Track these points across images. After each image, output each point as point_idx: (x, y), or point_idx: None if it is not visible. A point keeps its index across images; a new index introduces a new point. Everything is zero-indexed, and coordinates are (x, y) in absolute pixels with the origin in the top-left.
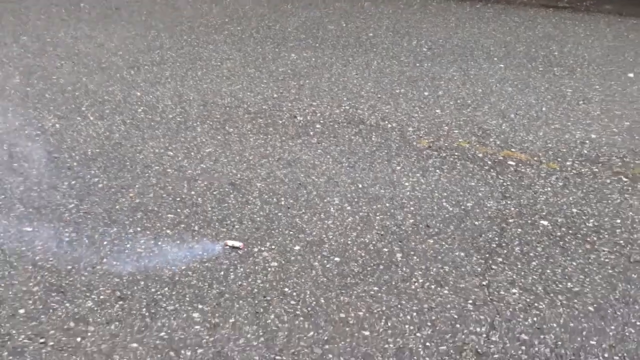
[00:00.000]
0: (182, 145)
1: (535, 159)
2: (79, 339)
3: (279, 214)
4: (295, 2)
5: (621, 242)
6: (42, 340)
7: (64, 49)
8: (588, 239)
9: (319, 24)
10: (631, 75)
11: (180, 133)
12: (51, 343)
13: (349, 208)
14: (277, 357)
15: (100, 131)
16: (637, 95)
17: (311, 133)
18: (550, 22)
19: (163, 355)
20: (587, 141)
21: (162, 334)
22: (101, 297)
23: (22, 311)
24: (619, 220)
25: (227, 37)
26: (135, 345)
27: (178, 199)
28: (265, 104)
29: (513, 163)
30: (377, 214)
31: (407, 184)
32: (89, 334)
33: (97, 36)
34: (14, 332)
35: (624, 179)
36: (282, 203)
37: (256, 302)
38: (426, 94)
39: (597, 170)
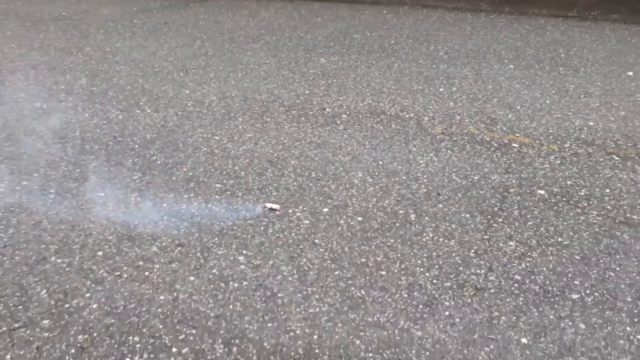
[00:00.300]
0: (226, 132)
1: (537, 142)
2: (147, 273)
3: (310, 184)
4: (325, 15)
5: (609, 207)
6: (117, 274)
7: (122, 57)
8: (579, 205)
9: (345, 33)
10: (630, 73)
11: (224, 122)
12: (125, 276)
13: (370, 180)
14: (308, 289)
15: (156, 121)
16: (634, 90)
17: (338, 122)
18: (558, 30)
19: (215, 286)
20: (585, 127)
21: (214, 271)
22: (163, 244)
23: (100, 253)
24: (608, 190)
25: (264, 45)
26: (192, 278)
27: (224, 172)
28: (298, 99)
29: (517, 145)
30: (395, 184)
31: (421, 161)
32: (155, 270)
33: (150, 46)
34: (94, 267)
35: (616, 158)
36: (313, 176)
37: (291, 249)
38: (441, 90)
39: (592, 151)
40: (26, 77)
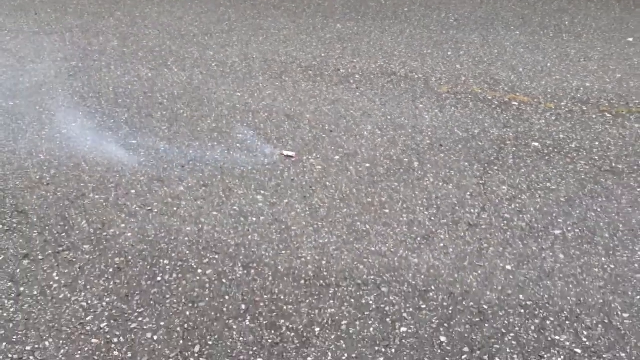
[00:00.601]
0: (248, 89)
1: (535, 100)
2: (175, 208)
3: (323, 135)
4: None
5: (596, 157)
6: (148, 208)
7: (150, 21)
8: (569, 155)
9: (361, 1)
10: (630, 39)
11: (245, 81)
12: (155, 210)
13: (378, 132)
14: (319, 223)
15: (183, 79)
16: (632, 55)
17: (351, 81)
18: None
19: (235, 220)
20: (582, 88)
21: (235, 207)
22: (189, 185)
23: (133, 191)
24: (597, 143)
25: (284, 12)
26: (215, 213)
27: (245, 124)
28: (315, 60)
29: (516, 103)
30: (401, 136)
31: (427, 116)
32: (182, 205)
33: (176, 12)
34: (128, 203)
35: (608, 115)
36: (326, 128)
37: (304, 190)
38: (449, 53)
39: (586, 108)
40: (62, 39)
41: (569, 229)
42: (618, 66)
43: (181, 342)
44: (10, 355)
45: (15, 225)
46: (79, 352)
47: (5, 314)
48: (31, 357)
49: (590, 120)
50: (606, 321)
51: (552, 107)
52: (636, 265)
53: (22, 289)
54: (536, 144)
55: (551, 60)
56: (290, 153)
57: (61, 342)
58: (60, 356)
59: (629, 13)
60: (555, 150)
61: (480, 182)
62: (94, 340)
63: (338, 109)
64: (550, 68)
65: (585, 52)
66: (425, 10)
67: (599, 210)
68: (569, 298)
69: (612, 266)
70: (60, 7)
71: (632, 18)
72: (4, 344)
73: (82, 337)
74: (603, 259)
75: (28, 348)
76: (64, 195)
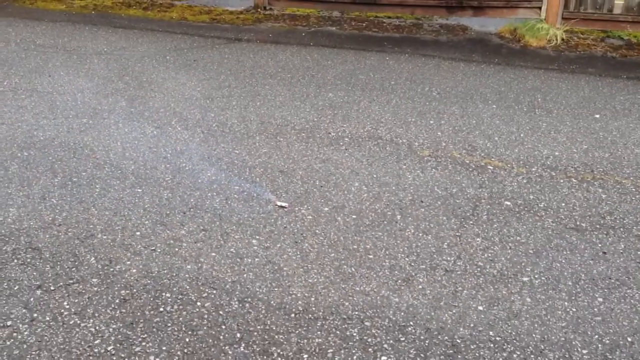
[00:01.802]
0: (245, 147)
1: (509, 165)
2: (176, 249)
3: (314, 189)
4: (334, 59)
5: (562, 216)
6: (152, 248)
7: (156, 85)
8: (538, 214)
9: (352, 74)
10: (597, 116)
11: (243, 140)
12: (158, 250)
13: (365, 188)
14: (309, 265)
15: (185, 137)
16: (598, 129)
17: (341, 143)
18: (539, 79)
19: (232, 260)
20: (551, 156)
21: (232, 249)
22: (190, 229)
23: (138, 233)
24: (564, 204)
25: (280, 81)
26: (213, 254)
27: (242, 178)
28: (307, 124)
29: (491, 167)
30: (385, 193)
31: (409, 176)
32: (183, 247)
33: (180, 78)
34: (133, 243)
35: (574, 180)
36: (317, 183)
37: (295, 236)
38: (431, 122)
39: (554, 174)
40: (74, 98)
41: (536, 276)
42: (585, 139)
43: None
44: None
45: (29, 260)
46: None
47: (19, 336)
48: None
49: (558, 184)
50: (567, 356)
51: (524, 171)
52: (595, 309)
53: (35, 315)
54: (508, 203)
55: (524, 132)
56: (283, 204)
57: None
58: None
59: (597, 93)
60: (526, 209)
61: (457, 234)
62: None
63: (328, 167)
64: (523, 138)
65: (555, 126)
66: (411, 84)
67: (563, 261)
68: (534, 335)
69: (574, 309)
70: (72, 71)
71: (599, 97)
72: None
73: (90, 357)
74: (566, 303)
75: None
76: (74, 235)
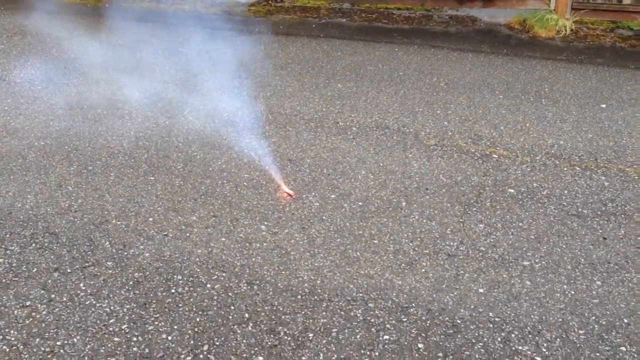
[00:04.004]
0: (255, 136)
1: (513, 154)
2: (187, 234)
3: (322, 177)
4: (344, 50)
5: (564, 203)
6: (164, 233)
7: (169, 76)
8: (541, 201)
9: (361, 65)
10: (603, 105)
11: (253, 129)
12: (170, 235)
13: (371, 176)
14: (315, 250)
15: (197, 126)
16: (603, 119)
17: (348, 133)
18: (547, 69)
19: (241, 245)
20: (556, 145)
21: (241, 234)
22: (201, 215)
23: (150, 219)
24: (566, 192)
25: (290, 72)
26: (223, 239)
27: (252, 166)
28: (316, 114)
29: (496, 156)
30: (391, 180)
31: (415, 164)
32: (194, 232)
33: (193, 69)
34: (146, 229)
35: (577, 168)
36: (324, 171)
37: (303, 222)
38: (438, 112)
39: (558, 162)
40: (89, 89)
41: (537, 261)
42: (590, 128)
43: (192, 342)
44: (43, 349)
45: (46, 244)
46: (103, 347)
47: (38, 316)
48: (61, 351)
49: (562, 172)
50: (564, 336)
51: (528, 160)
52: (594, 292)
53: (53, 295)
54: (512, 191)
55: (530, 121)
56: (290, 191)
57: (87, 339)
58: (87, 350)
59: (604, 83)
60: (529, 196)
61: (460, 220)
62: (115, 339)
63: (336, 155)
64: (529, 127)
65: (561, 115)
66: (419, 75)
67: (564, 246)
68: (532, 316)
69: (573, 292)
70: (87, 63)
71: (606, 87)
72: (38, 339)
73: (106, 335)
74: (565, 286)
75: (58, 343)
76: (89, 221)
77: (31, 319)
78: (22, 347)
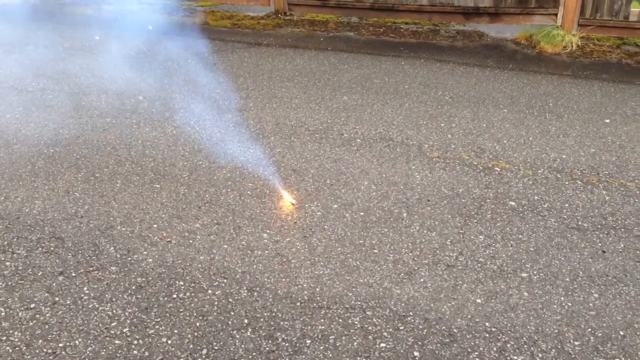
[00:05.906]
0: (260, 146)
1: (516, 167)
2: (190, 241)
3: (324, 187)
4: (351, 63)
5: (564, 217)
6: (168, 240)
7: (177, 87)
8: (541, 214)
9: (367, 78)
10: (607, 120)
11: (259, 140)
12: (174, 242)
13: (374, 187)
14: (316, 258)
15: (203, 136)
16: (607, 134)
17: (352, 144)
18: (552, 84)
19: (243, 252)
20: (558, 159)
21: (243, 242)
22: (204, 222)
23: (155, 225)
24: (567, 205)
25: (296, 84)
26: (225, 246)
27: (256, 175)
28: (321, 125)
29: (498, 169)
30: (393, 191)
31: (418, 176)
32: (197, 239)
33: (200, 80)
34: (150, 235)
35: (579, 182)
36: (327, 182)
37: (304, 231)
38: (442, 125)
39: (560, 176)
40: (98, 99)
41: (535, 272)
42: (593, 142)
43: (191, 346)
44: (45, 350)
45: (52, 249)
46: (104, 350)
47: (42, 318)
48: (63, 352)
49: (563, 186)
50: (559, 347)
51: (530, 173)
52: (591, 304)
53: (57, 298)
54: (513, 203)
55: (533, 135)
56: (293, 201)
57: (89, 341)
58: (88, 352)
59: (609, 98)
60: (529, 209)
61: (460, 231)
62: (117, 342)
63: (339, 166)
64: (532, 141)
65: (564, 130)
66: (424, 88)
67: (562, 259)
68: (528, 327)
69: (570, 304)
70: (97, 73)
71: (611, 103)
72: (40, 341)
73: (107, 338)
74: (562, 298)
75: (60, 345)
76: (95, 226)
77: (35, 321)
78: (24, 348)
